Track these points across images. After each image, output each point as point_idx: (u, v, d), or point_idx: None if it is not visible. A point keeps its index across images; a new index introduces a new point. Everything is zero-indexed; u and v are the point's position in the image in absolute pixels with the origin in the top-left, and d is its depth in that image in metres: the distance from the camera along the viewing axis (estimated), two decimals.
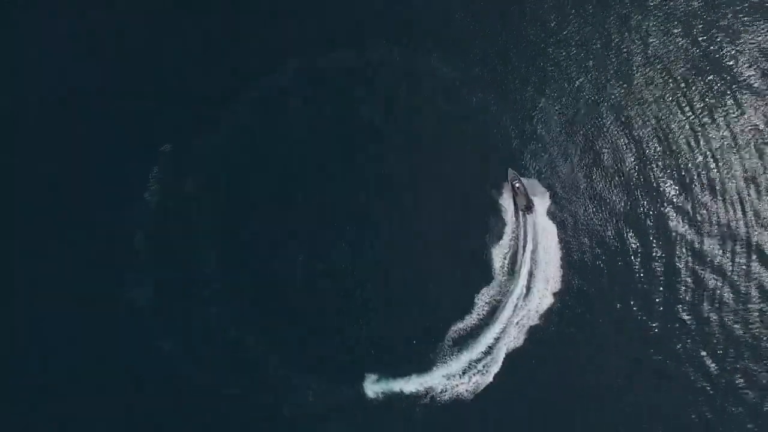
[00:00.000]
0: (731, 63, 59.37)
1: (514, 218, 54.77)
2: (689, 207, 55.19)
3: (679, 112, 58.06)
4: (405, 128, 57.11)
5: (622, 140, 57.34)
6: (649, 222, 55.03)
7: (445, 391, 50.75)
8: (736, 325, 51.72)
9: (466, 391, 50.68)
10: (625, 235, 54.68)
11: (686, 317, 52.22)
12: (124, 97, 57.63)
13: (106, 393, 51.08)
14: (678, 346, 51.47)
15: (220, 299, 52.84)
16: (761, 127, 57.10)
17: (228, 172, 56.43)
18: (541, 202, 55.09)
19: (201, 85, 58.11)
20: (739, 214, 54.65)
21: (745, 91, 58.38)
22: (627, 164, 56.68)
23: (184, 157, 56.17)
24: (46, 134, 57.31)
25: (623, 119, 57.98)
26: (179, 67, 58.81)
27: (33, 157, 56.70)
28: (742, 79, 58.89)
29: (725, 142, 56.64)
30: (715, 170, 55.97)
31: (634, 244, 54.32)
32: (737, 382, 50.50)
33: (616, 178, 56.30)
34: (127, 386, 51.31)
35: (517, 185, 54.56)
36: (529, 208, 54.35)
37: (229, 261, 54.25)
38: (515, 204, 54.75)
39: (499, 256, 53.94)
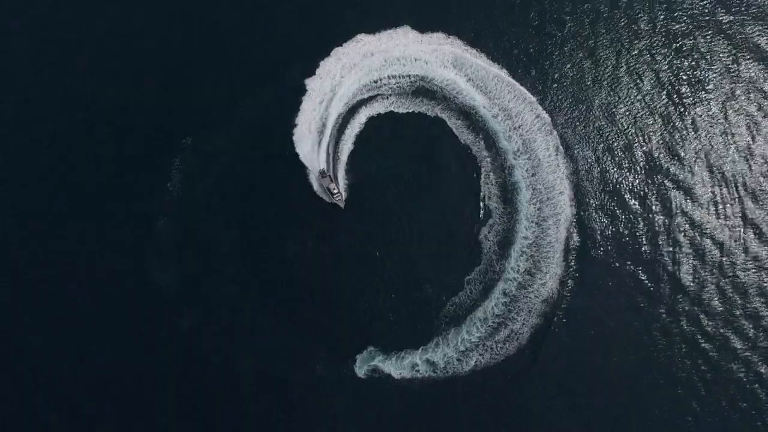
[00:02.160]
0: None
1: None
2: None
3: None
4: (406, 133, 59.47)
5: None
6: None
7: (443, 367, 52.97)
8: None
9: (465, 366, 52.84)
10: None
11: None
12: (149, 94, 60.16)
13: (127, 366, 54.02)
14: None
15: (236, 280, 55.53)
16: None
17: (244, 163, 58.59)
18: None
19: (219, 83, 60.37)
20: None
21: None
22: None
23: (203, 149, 58.58)
24: (76, 129, 60.15)
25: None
26: (198, 67, 60.97)
27: (63, 150, 59.60)
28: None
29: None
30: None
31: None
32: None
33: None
34: (146, 360, 54.12)
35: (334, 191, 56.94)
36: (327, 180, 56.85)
37: (244, 245, 56.75)
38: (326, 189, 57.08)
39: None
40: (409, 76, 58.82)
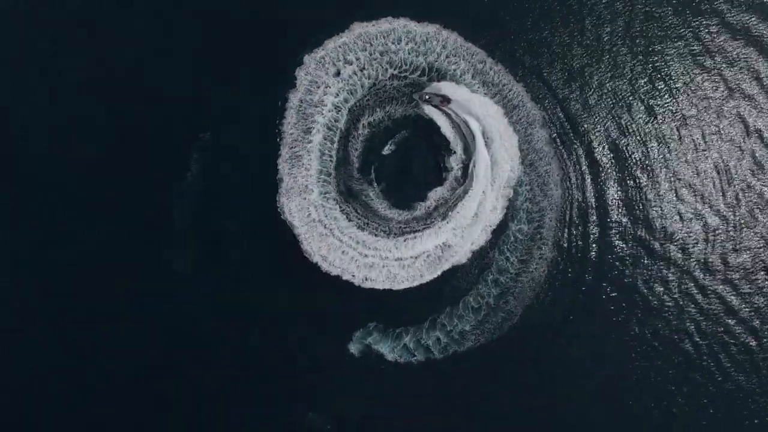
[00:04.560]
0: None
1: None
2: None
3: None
4: None
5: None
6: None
7: (439, 347, 58.28)
8: None
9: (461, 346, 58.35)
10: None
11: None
12: (170, 90, 61.31)
13: (143, 349, 59.10)
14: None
15: (248, 267, 59.61)
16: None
17: (256, 157, 60.60)
18: (455, 90, 58.76)
19: (235, 80, 61.21)
20: None
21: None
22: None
23: (219, 143, 60.58)
24: (99, 122, 61.78)
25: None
26: (215, 66, 61.67)
27: (88, 141, 61.40)
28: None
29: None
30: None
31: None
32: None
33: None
34: (160, 344, 59.25)
35: (426, 97, 58.68)
36: (446, 100, 58.57)
37: (256, 235, 60.20)
38: (435, 106, 59.07)
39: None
40: (404, 77, 59.62)
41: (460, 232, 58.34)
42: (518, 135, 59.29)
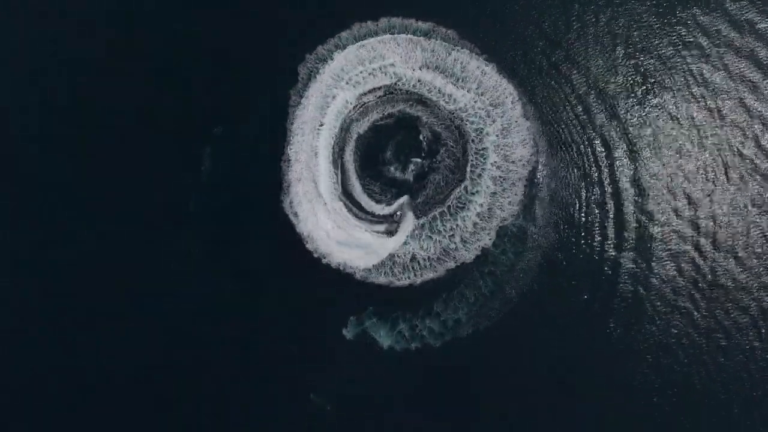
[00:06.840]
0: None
1: None
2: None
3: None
4: None
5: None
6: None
7: (437, 332, 58.55)
8: None
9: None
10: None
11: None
12: (169, 91, 62.17)
13: (143, 349, 59.06)
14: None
15: (248, 266, 60.10)
16: None
17: (257, 156, 61.33)
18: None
19: (235, 79, 61.79)
20: None
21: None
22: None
23: (220, 143, 61.13)
24: (99, 122, 62.23)
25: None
26: (227, 58, 62.15)
27: (88, 141, 62.00)
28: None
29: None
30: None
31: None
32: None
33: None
34: (160, 344, 59.33)
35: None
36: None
37: (256, 235, 60.69)
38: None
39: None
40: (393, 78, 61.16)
41: (460, 233, 59.11)
42: (519, 130, 60.38)
